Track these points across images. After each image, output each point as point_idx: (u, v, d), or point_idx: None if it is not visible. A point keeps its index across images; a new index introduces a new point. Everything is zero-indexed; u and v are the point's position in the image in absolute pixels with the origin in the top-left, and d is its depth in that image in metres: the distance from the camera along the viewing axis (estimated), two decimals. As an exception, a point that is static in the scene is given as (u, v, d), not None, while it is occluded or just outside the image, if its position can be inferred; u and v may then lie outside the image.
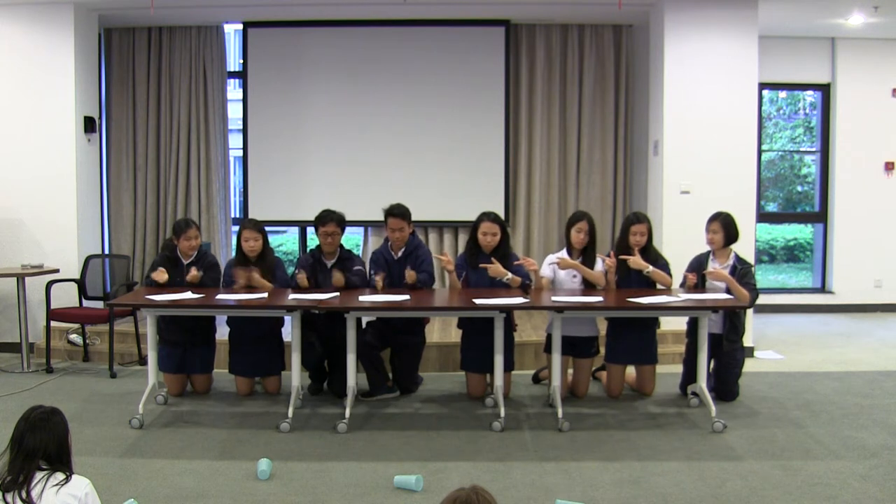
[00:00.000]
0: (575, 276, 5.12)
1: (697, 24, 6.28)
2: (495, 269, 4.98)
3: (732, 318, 5.01)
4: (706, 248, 5.18)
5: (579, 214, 5.18)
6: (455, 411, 4.92)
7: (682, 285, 5.13)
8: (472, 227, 5.15)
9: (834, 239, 8.17)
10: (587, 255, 5.11)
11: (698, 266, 5.16)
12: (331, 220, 5.16)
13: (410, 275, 5.05)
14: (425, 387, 5.43)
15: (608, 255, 5.06)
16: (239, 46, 7.85)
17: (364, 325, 5.19)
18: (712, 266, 5.09)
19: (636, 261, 5.02)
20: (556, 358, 4.70)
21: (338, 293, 4.86)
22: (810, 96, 9.96)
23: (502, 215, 6.89)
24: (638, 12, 6.74)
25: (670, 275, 5.12)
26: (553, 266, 5.16)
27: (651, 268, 5.01)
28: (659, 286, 5.07)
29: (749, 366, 5.71)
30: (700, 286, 5.07)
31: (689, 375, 5.03)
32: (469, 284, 5.17)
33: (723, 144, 6.28)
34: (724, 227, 5.08)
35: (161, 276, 5.03)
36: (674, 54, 6.29)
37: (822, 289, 8.34)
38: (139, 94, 7.41)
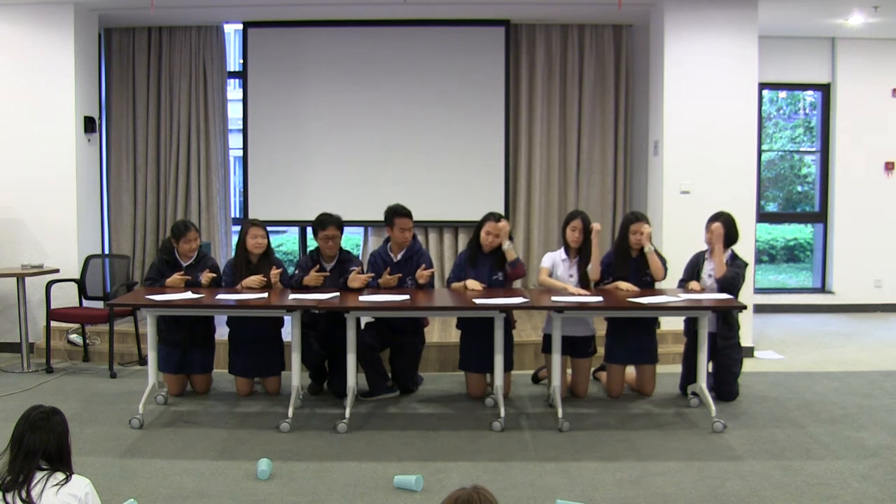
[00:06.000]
0: (572, 276, 5.12)
1: (697, 24, 6.28)
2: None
3: (725, 316, 5.01)
4: (705, 247, 5.18)
5: (574, 213, 5.19)
6: (455, 411, 4.92)
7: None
8: (477, 225, 5.15)
9: (834, 239, 8.17)
10: (583, 253, 5.11)
11: (694, 267, 5.17)
12: (330, 224, 5.12)
13: (423, 274, 5.06)
14: (425, 387, 5.43)
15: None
16: (239, 46, 7.85)
17: (364, 326, 5.19)
18: (708, 266, 5.10)
19: (637, 240, 5.01)
20: (556, 358, 4.70)
21: (338, 293, 4.85)
22: (810, 96, 9.96)
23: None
24: (638, 12, 6.74)
25: (666, 269, 5.10)
26: (552, 258, 5.17)
27: (650, 246, 4.99)
28: (654, 274, 5.04)
29: (749, 366, 5.72)
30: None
31: (689, 375, 5.03)
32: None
33: (723, 144, 6.28)
34: (725, 227, 5.07)
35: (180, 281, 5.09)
36: (674, 54, 6.29)
37: (822, 289, 8.35)
38: (139, 94, 7.41)
